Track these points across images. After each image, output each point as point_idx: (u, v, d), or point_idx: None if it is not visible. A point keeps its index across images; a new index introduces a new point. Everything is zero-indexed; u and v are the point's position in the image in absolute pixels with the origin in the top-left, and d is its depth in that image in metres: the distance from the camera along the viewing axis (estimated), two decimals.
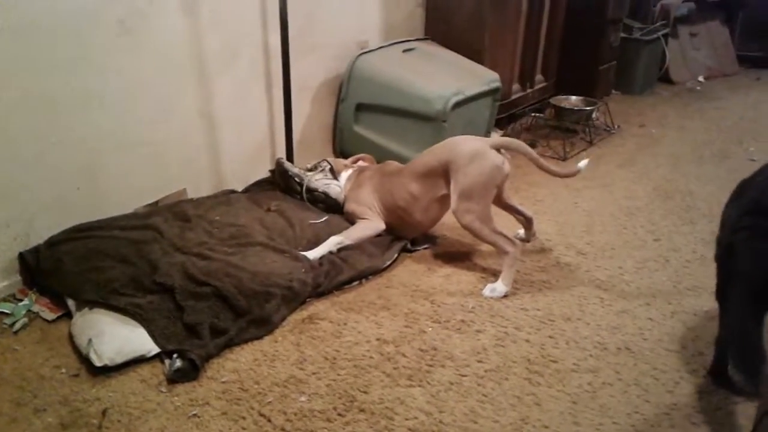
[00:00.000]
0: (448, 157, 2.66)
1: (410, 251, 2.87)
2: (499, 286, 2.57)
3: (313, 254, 2.62)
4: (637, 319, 2.42)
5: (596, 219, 3.23)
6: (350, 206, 2.98)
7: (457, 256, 2.86)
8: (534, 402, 1.99)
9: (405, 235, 2.90)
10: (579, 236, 3.05)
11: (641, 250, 2.93)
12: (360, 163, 3.23)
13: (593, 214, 3.29)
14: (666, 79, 5.82)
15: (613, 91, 5.44)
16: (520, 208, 2.97)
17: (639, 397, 2.02)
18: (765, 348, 1.74)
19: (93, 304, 2.20)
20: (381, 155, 3.52)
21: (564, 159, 4.02)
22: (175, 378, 2.02)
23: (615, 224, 3.18)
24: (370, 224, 2.86)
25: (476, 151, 2.62)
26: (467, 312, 2.44)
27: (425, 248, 2.90)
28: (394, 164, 3.04)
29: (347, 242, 2.73)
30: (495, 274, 2.69)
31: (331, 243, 2.70)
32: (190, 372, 2.03)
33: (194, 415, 1.89)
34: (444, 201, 2.74)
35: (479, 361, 2.17)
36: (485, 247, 2.90)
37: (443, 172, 2.68)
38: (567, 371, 2.13)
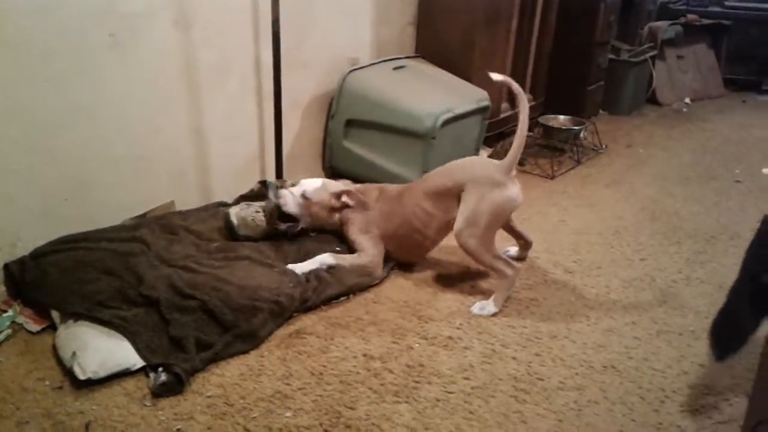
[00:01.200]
0: (465, 180, 2.62)
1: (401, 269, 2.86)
2: (490, 306, 2.57)
3: (300, 268, 2.61)
4: (623, 337, 2.43)
5: (583, 238, 3.25)
6: (354, 234, 2.81)
7: (444, 272, 2.86)
8: (520, 420, 1.99)
9: (409, 259, 2.88)
10: (566, 254, 3.07)
11: (628, 269, 2.95)
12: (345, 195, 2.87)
13: (580, 232, 3.31)
14: (653, 100, 5.88)
15: (601, 112, 5.49)
16: (523, 233, 2.97)
17: (624, 415, 2.03)
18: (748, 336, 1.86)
19: (78, 316, 2.19)
20: (370, 171, 3.53)
21: (552, 177, 4.04)
22: (159, 392, 2.00)
23: (602, 243, 3.20)
24: (369, 264, 2.72)
25: (496, 181, 2.59)
26: (454, 329, 2.44)
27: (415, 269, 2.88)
28: (394, 187, 2.93)
29: (335, 264, 2.69)
30: (483, 292, 2.70)
31: (321, 261, 2.67)
32: (175, 386, 2.02)
33: (178, 429, 1.87)
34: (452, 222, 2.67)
35: (466, 378, 2.17)
36: (473, 265, 2.91)
37: (457, 194, 2.63)
38: (553, 389, 2.14)
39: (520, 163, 4.21)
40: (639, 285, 2.81)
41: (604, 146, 4.63)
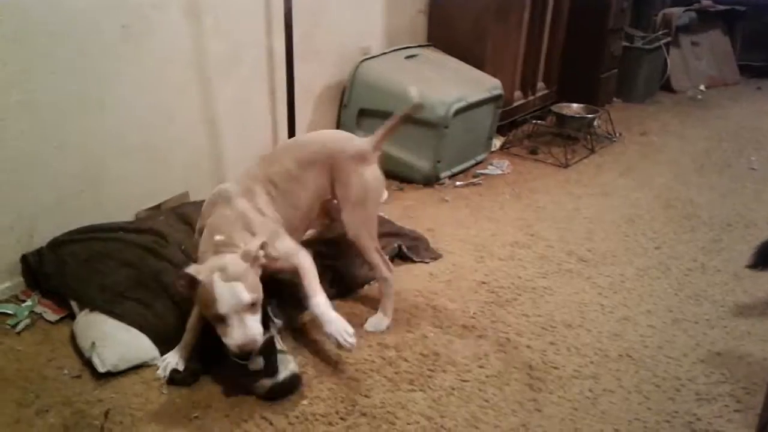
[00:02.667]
0: (336, 152, 2.32)
1: (413, 261, 2.86)
2: (382, 320, 2.38)
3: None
4: (638, 326, 2.42)
5: (597, 226, 3.24)
6: (276, 251, 2.11)
7: (458, 262, 2.86)
8: (535, 408, 2.00)
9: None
10: (580, 243, 3.06)
11: (642, 258, 2.93)
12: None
13: (594, 221, 3.30)
14: (667, 87, 5.83)
15: (615, 99, 5.46)
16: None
17: (640, 404, 2.03)
18: None
19: (96, 308, 2.20)
20: (383, 161, 3.53)
21: (565, 166, 4.02)
22: (173, 380, 2.01)
23: (616, 231, 3.19)
24: (302, 260, 2.18)
25: (370, 158, 2.34)
26: (469, 317, 2.45)
27: (427, 262, 2.86)
28: (246, 184, 2.24)
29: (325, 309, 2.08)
30: (496, 280, 2.70)
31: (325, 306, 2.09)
32: (188, 378, 2.03)
33: (196, 417, 1.89)
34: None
35: (481, 367, 2.18)
36: (486, 255, 2.92)
37: (327, 168, 2.31)
38: (568, 377, 2.14)
39: (533, 152, 4.21)
40: (654, 273, 2.80)
41: (617, 134, 4.60)
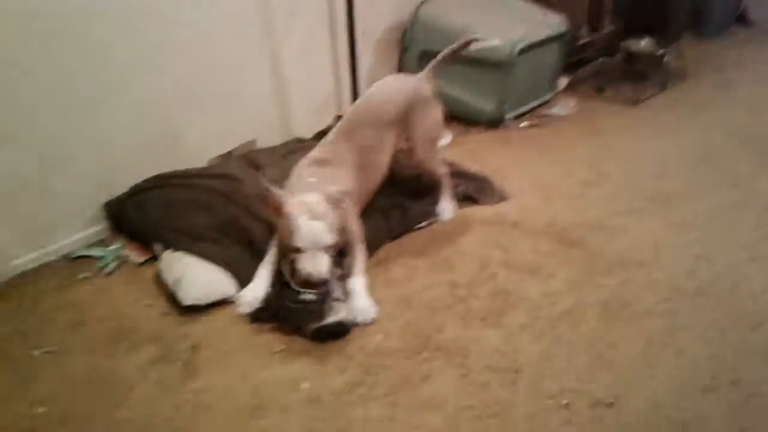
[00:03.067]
0: (408, 101, 2.48)
1: (480, 203, 2.86)
2: (450, 207, 2.68)
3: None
4: (714, 263, 2.38)
5: (670, 164, 3.16)
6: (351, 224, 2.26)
7: (525, 203, 2.85)
8: (609, 344, 2.01)
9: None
10: (652, 181, 2.99)
11: (718, 195, 2.85)
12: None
13: (666, 159, 3.22)
14: (743, 20, 5.54)
15: (687, 34, 5.21)
16: None
17: (716, 340, 2.01)
18: None
19: (180, 250, 2.30)
20: (447, 104, 3.49)
21: (635, 104, 3.91)
22: (256, 319, 2.10)
23: (690, 169, 3.10)
24: (363, 248, 2.29)
25: (431, 97, 2.56)
26: (539, 257, 2.45)
27: (494, 203, 2.85)
28: (329, 147, 2.37)
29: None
30: (566, 221, 2.68)
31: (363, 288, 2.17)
32: (270, 317, 2.11)
33: (282, 349, 1.98)
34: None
35: (552, 304, 2.19)
36: (555, 195, 2.89)
37: (402, 118, 2.47)
38: (642, 314, 2.13)
39: (601, 90, 4.10)
40: (730, 211, 2.73)
41: (689, 70, 4.42)
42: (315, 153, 2.35)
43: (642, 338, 2.02)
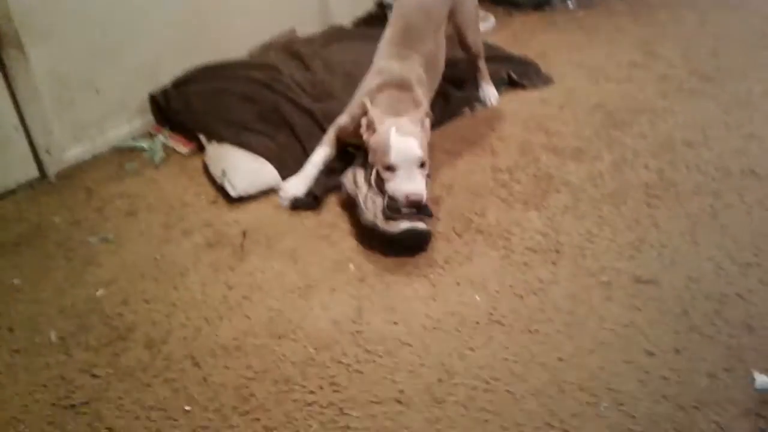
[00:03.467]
0: None
1: (523, 86, 2.80)
2: (492, 89, 2.68)
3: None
4: (765, 142, 2.31)
5: (724, 42, 3.02)
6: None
7: (571, 86, 2.78)
8: (652, 223, 2.00)
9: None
10: (705, 60, 2.87)
11: None
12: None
13: (721, 37, 3.07)
14: None
15: None
16: None
17: (763, 218, 1.99)
18: None
19: (225, 140, 2.34)
20: None
21: None
22: (297, 205, 2.15)
23: (746, 47, 2.96)
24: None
25: None
26: (583, 140, 2.42)
27: (538, 87, 2.80)
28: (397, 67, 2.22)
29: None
30: (612, 103, 2.62)
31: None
32: (311, 203, 2.16)
33: (324, 235, 2.03)
34: None
35: (595, 186, 2.18)
36: (601, 77, 2.81)
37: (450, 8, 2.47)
38: (687, 194, 2.11)
39: None
40: None
41: None
42: (387, 70, 2.21)
43: (686, 218, 2.01)
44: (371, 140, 2.01)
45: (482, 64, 2.66)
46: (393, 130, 1.95)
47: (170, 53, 2.59)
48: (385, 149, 1.94)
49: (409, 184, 1.92)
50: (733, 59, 2.86)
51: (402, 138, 1.93)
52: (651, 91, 2.69)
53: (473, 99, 2.66)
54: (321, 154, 2.23)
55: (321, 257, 1.95)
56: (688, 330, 1.64)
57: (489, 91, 2.67)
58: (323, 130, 2.33)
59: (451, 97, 2.62)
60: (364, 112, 2.05)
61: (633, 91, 2.71)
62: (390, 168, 1.94)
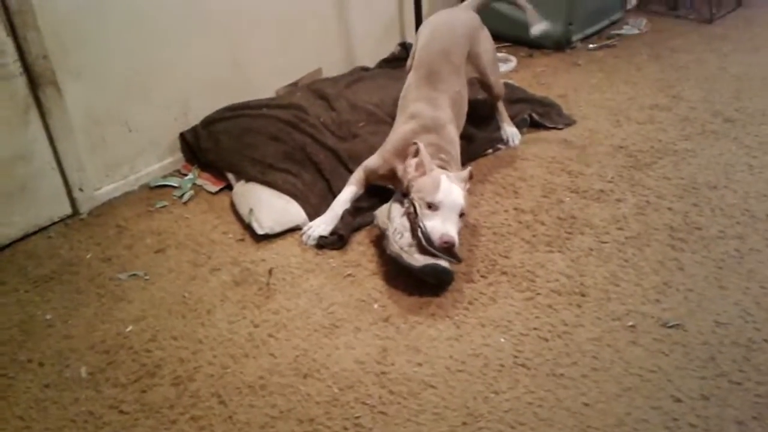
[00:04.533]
0: (471, 31, 2.55)
1: (545, 127, 2.83)
2: (514, 129, 2.72)
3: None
4: None
5: (746, 84, 3.03)
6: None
7: (593, 127, 2.80)
8: (677, 267, 2.00)
9: None
10: (727, 103, 2.89)
11: None
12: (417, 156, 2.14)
13: (743, 79, 3.09)
14: None
15: None
16: None
17: None
18: None
19: (251, 178, 2.38)
20: (513, 28, 3.41)
21: (710, 21, 3.73)
22: (323, 244, 2.18)
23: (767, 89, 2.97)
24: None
25: (480, 21, 2.64)
26: (606, 182, 2.43)
27: (560, 128, 2.82)
28: (429, 115, 2.29)
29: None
30: (635, 144, 2.63)
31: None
32: (337, 242, 2.19)
33: (349, 274, 2.05)
34: None
35: (619, 229, 2.18)
36: (623, 119, 2.83)
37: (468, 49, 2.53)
38: (712, 238, 2.11)
39: (673, 8, 3.92)
40: None
41: None
42: (420, 114, 2.27)
43: (711, 261, 2.01)
44: (419, 180, 2.05)
45: (501, 106, 2.71)
46: (444, 175, 2.02)
47: (200, 92, 2.66)
48: (434, 188, 1.98)
49: (446, 226, 1.95)
50: (756, 101, 2.88)
51: (451, 184, 2.00)
52: (673, 133, 2.71)
53: (496, 140, 2.69)
54: (348, 194, 2.27)
55: (346, 296, 1.97)
56: (715, 376, 1.63)
57: (510, 131, 2.70)
58: (348, 170, 2.38)
59: (475, 138, 2.65)
60: (415, 153, 2.10)
61: (655, 132, 2.73)
62: (432, 206, 1.98)
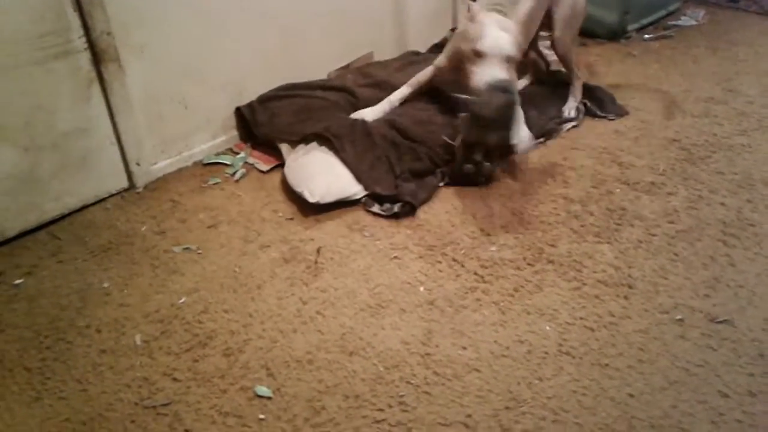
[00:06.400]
0: None
1: (597, 116, 2.80)
2: (572, 105, 2.75)
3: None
4: None
5: None
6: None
7: (647, 119, 2.76)
8: (728, 263, 1.98)
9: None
10: None
11: None
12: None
13: None
14: None
15: None
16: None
17: None
18: None
19: (308, 140, 2.45)
20: None
21: None
22: (397, 216, 2.24)
23: None
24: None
25: None
26: (658, 174, 2.40)
27: (612, 119, 2.79)
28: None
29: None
30: (689, 138, 2.59)
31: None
32: (409, 212, 2.25)
33: (395, 257, 2.08)
34: None
35: (670, 222, 2.16)
36: (678, 111, 2.79)
37: None
38: (765, 235, 2.07)
39: (734, 0, 3.82)
40: None
41: None
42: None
43: (763, 259, 1.98)
44: (469, 27, 2.11)
45: (578, 82, 2.77)
46: (492, 22, 2.07)
47: (255, 73, 2.70)
48: (479, 36, 2.04)
49: (490, 71, 2.04)
50: None
51: (497, 31, 2.04)
52: (729, 127, 2.65)
53: (553, 129, 2.68)
54: (399, 94, 2.47)
55: (392, 278, 1.99)
56: (763, 373, 1.61)
57: (571, 104, 2.76)
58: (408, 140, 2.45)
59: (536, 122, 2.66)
60: (469, 13, 2.18)
61: (710, 126, 2.68)
62: (478, 54, 2.00)
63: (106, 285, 2.02)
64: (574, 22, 2.68)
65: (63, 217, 2.32)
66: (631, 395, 1.58)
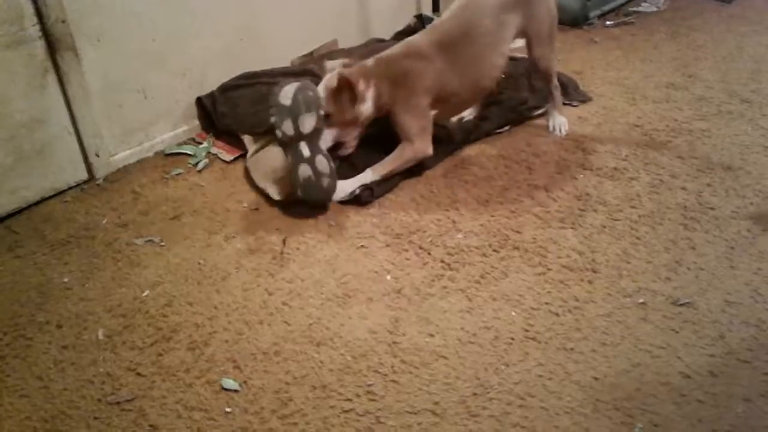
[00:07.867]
0: None
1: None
2: (561, 118, 2.63)
3: (343, 188, 2.25)
4: None
5: (764, 65, 3.01)
6: (403, 118, 2.32)
7: (608, 105, 2.79)
8: (689, 246, 2.01)
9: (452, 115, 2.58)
10: (743, 83, 2.87)
11: None
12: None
13: (761, 60, 3.06)
14: None
15: None
16: None
17: None
18: None
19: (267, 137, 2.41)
20: None
21: (729, 1, 3.68)
22: (359, 199, 2.25)
23: None
24: (416, 152, 2.32)
25: None
26: (620, 160, 2.43)
27: (575, 105, 2.81)
28: (425, 37, 2.39)
29: (380, 177, 2.29)
30: (650, 123, 2.63)
31: (362, 180, 2.28)
32: (369, 196, 2.26)
33: (362, 246, 2.07)
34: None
35: (633, 207, 2.19)
36: (639, 97, 2.82)
37: (521, 7, 2.40)
38: (725, 218, 2.11)
39: None
40: None
41: None
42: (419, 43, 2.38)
43: (723, 241, 2.02)
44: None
45: (556, 91, 2.61)
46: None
47: (216, 61, 2.66)
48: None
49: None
50: None
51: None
52: (689, 113, 2.69)
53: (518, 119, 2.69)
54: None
55: (359, 267, 1.99)
56: (724, 354, 1.65)
57: (559, 120, 2.62)
58: None
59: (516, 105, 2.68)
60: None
61: (671, 111, 2.71)
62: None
63: (66, 279, 1.98)
64: (552, 32, 2.49)
65: (20, 210, 2.27)
66: (596, 378, 1.60)
